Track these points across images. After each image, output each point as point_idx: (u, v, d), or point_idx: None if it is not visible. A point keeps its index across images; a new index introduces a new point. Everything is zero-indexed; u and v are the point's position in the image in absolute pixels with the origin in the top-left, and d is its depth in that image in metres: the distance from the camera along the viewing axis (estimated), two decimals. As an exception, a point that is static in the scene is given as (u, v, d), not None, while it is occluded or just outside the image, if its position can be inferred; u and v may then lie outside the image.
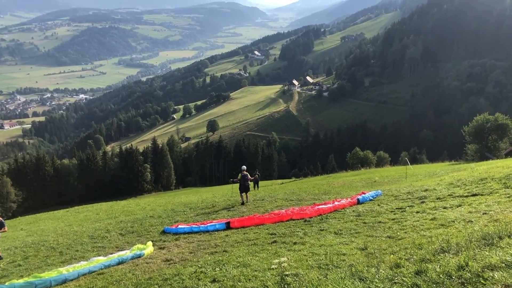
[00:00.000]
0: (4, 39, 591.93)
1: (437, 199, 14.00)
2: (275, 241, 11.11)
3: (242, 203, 20.61)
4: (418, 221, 10.99)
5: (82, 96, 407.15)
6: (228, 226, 14.20)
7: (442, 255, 6.64)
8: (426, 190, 16.24)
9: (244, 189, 20.52)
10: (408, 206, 13.43)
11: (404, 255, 7.28)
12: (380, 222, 11.72)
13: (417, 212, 12.29)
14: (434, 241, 7.90)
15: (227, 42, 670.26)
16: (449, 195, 14.31)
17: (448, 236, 8.15)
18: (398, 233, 10.01)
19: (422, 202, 13.84)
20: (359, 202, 15.90)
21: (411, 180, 23.61)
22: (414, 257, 6.94)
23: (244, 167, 20.84)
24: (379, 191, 17.97)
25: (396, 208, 13.45)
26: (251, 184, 25.05)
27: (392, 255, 7.40)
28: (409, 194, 15.95)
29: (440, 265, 5.94)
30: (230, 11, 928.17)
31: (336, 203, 15.67)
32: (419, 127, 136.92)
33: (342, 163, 79.07)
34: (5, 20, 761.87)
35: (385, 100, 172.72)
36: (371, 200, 16.40)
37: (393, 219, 11.79)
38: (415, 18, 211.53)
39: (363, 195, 16.92)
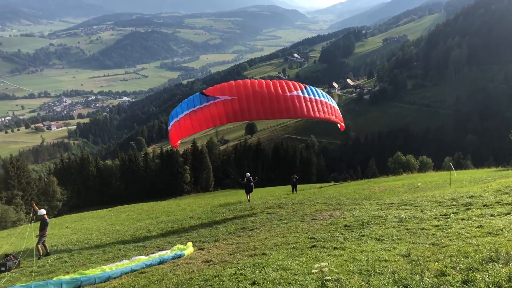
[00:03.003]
0: (52, 44, 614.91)
1: (484, 206, 13.50)
2: (314, 246, 11.04)
3: (248, 201, 25.52)
4: (463, 228, 10.66)
5: (125, 98, 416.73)
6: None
7: (490, 264, 6.41)
8: (472, 196, 15.69)
9: (248, 189, 25.58)
10: (453, 213, 13.03)
11: (450, 263, 7.08)
12: (423, 228, 11.44)
13: (462, 219, 11.91)
14: (482, 250, 7.64)
15: (266, 45, 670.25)
16: (496, 202, 13.78)
17: (497, 245, 7.86)
18: (443, 240, 9.74)
19: (468, 209, 13.39)
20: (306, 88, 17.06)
21: (455, 186, 22.87)
22: (460, 265, 6.73)
23: (248, 174, 25.43)
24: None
25: (440, 215, 13.08)
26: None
27: (436, 263, 7.21)
28: (454, 201, 15.46)
29: (489, 275, 5.74)
30: (270, 14, 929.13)
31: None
32: (463, 132, 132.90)
33: (383, 167, 77.39)
34: (54, 25, 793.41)
35: (428, 104, 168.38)
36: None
37: (437, 226, 11.48)
38: (460, 19, 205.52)
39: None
